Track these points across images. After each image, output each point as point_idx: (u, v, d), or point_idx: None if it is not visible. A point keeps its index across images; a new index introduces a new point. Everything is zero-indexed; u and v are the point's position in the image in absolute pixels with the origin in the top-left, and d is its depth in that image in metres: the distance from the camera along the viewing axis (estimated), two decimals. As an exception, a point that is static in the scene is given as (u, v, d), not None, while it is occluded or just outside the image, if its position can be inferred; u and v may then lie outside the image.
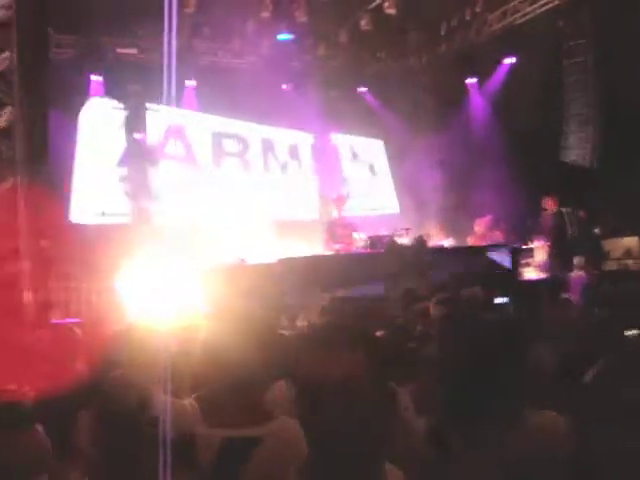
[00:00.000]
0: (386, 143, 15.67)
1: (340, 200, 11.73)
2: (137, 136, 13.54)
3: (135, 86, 13.21)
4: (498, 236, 12.47)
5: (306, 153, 15.59)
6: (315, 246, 11.32)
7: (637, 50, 10.91)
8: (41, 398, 3.25)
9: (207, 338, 2.51)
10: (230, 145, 14.76)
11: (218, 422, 2.39)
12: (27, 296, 8.07)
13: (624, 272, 10.40)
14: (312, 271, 9.08)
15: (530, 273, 11.52)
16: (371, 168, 16.55)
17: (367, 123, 15.47)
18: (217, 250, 12.09)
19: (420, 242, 8.93)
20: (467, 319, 3.23)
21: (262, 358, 2.39)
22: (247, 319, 2.49)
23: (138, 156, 13.27)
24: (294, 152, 15.47)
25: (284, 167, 15.26)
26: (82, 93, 13.49)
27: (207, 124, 14.59)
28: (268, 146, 15.15)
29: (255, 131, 15.03)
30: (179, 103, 13.86)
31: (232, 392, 2.38)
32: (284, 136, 15.38)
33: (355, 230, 11.63)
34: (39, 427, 2.93)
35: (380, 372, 2.66)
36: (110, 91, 13.64)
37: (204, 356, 2.47)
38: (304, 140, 15.57)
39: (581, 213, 12.09)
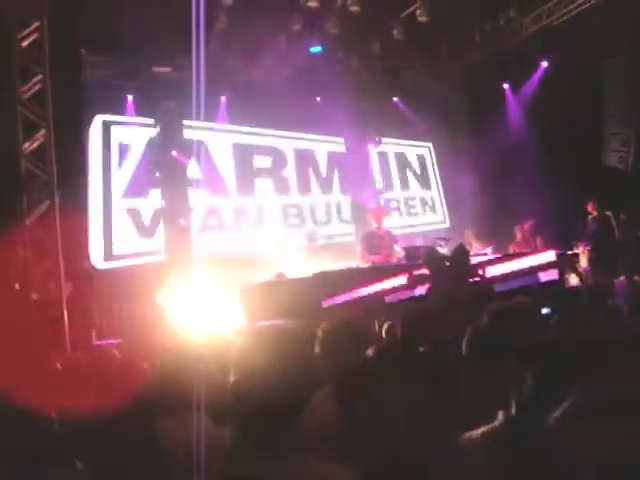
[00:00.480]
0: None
1: (378, 211, 11.59)
2: (173, 153, 13.56)
3: (169, 103, 13.25)
4: (540, 242, 12.26)
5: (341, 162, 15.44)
6: (352, 259, 11.23)
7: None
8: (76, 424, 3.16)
9: (240, 357, 2.32)
10: (262, 161, 14.70)
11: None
12: (67, 317, 8.14)
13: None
14: (347, 283, 8.97)
15: (574, 279, 11.29)
16: (420, 178, 16.58)
17: (402, 132, 15.41)
18: (255, 267, 12.12)
19: (461, 252, 8.75)
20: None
21: (290, 379, 2.17)
22: (278, 336, 2.33)
23: (173, 175, 13.27)
24: (331, 162, 15.35)
25: (321, 182, 15.19)
26: (118, 113, 13.61)
27: (236, 137, 14.57)
28: (304, 159, 15.07)
29: (289, 141, 14.99)
30: (213, 119, 13.94)
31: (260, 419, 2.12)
32: (319, 145, 15.33)
33: (395, 242, 11.49)
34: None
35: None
36: (144, 109, 13.72)
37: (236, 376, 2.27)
38: (338, 148, 15.44)
39: (622, 216, 11.87)
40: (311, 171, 15.11)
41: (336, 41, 13.11)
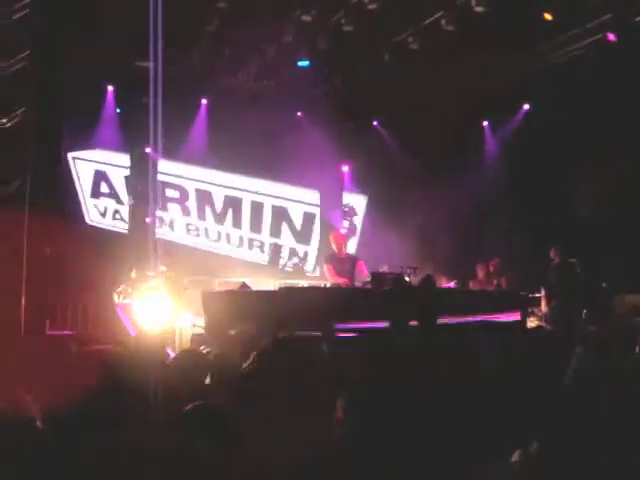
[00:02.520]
0: (393, 179, 15.44)
1: (341, 236, 11.55)
2: (147, 150, 13.50)
3: (148, 99, 13.09)
4: (504, 282, 12.28)
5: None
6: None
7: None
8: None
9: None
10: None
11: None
12: (23, 302, 7.91)
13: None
14: (312, 302, 8.85)
15: (532, 322, 11.33)
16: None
17: (377, 158, 15.34)
18: (218, 272, 12.03)
19: (429, 281, 8.72)
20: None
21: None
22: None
23: (144, 169, 13.23)
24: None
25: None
26: (97, 101, 13.51)
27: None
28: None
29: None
30: (192, 122, 13.88)
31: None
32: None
33: (358, 266, 11.45)
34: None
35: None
36: (123, 103, 13.63)
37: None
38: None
39: (584, 266, 11.96)
40: (284, 224, 15.71)
41: (324, 58, 13.08)
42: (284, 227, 15.65)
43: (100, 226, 14.70)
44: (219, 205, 15.38)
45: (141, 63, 13.08)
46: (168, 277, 10.71)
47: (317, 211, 15.60)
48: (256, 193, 15.38)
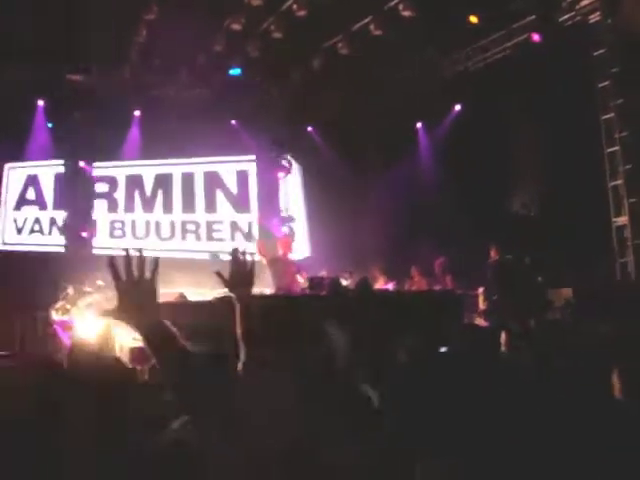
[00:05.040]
0: (329, 184, 15.44)
1: (286, 240, 11.59)
2: (81, 164, 13.43)
3: (82, 113, 13.06)
4: (450, 280, 12.43)
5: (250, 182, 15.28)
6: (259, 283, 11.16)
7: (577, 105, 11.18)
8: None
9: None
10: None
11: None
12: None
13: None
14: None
15: (479, 320, 11.49)
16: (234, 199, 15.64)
17: (313, 163, 15.38)
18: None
19: (364, 284, 8.79)
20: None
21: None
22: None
23: (80, 184, 13.13)
24: (241, 180, 15.17)
25: (231, 201, 15.00)
26: (27, 121, 13.36)
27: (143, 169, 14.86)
28: (212, 180, 14.96)
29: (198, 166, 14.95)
30: (125, 133, 13.77)
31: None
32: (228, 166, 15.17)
33: (298, 271, 11.50)
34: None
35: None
36: (56, 117, 13.48)
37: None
38: (248, 166, 15.27)
39: (526, 260, 12.13)
40: (219, 191, 14.97)
41: (256, 66, 13.09)
42: (219, 195, 14.89)
43: (11, 249, 14.44)
44: (149, 187, 14.82)
45: (72, 77, 13.02)
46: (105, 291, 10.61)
47: (251, 167, 15.01)
48: (186, 164, 14.82)
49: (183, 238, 14.70)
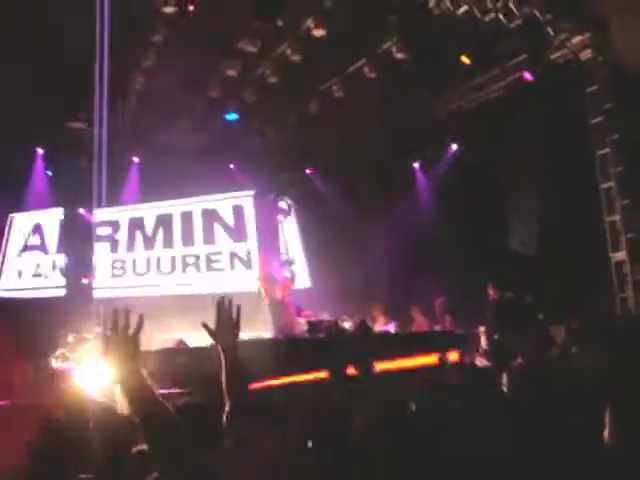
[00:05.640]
0: (328, 225, 15.44)
1: (285, 283, 11.57)
2: (80, 211, 13.50)
3: (81, 161, 13.17)
4: (449, 320, 12.39)
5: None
6: (258, 326, 11.11)
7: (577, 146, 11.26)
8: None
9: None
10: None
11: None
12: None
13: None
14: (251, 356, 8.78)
15: (480, 361, 11.41)
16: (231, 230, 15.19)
17: (312, 205, 15.43)
18: (156, 329, 11.91)
19: (363, 327, 8.77)
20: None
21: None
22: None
23: (79, 230, 13.20)
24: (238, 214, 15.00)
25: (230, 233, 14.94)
26: (27, 168, 13.49)
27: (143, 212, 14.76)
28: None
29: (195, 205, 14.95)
30: (124, 180, 13.85)
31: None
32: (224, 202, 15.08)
33: (299, 314, 11.48)
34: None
35: None
36: (55, 165, 13.60)
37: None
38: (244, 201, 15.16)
39: (527, 298, 12.09)
40: (216, 225, 14.80)
41: (252, 110, 13.22)
42: (217, 229, 14.69)
43: (11, 294, 14.41)
44: (150, 227, 14.72)
45: (71, 125, 13.14)
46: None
47: (247, 201, 14.58)
48: (185, 204, 14.61)
49: (183, 271, 14.60)
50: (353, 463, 3.20)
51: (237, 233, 14.61)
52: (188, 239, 14.72)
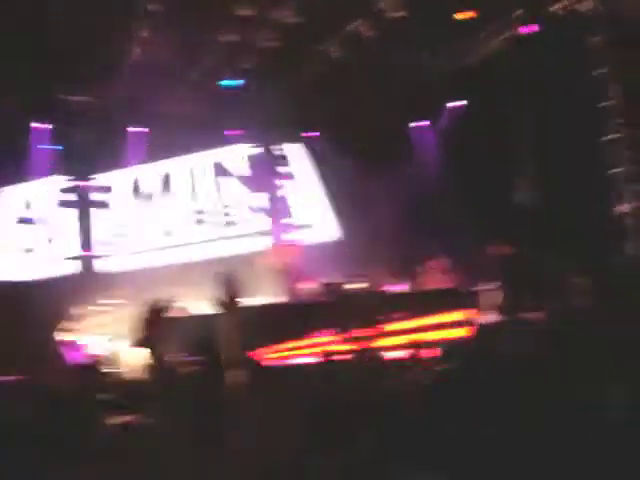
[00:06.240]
0: (331, 189, 15.31)
1: (288, 248, 11.57)
2: (83, 182, 13.51)
3: (78, 132, 13.14)
4: (454, 278, 12.36)
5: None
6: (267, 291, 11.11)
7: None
8: None
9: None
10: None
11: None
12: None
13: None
14: (260, 321, 8.81)
15: (490, 317, 11.42)
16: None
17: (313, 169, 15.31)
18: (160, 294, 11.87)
19: (373, 288, 8.78)
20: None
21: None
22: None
23: (83, 202, 13.23)
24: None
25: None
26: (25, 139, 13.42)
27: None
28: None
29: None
30: (124, 150, 13.74)
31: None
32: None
33: (308, 277, 11.48)
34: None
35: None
36: (53, 137, 13.54)
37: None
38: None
39: (532, 253, 12.07)
40: (227, 177, 14.67)
41: (250, 76, 13.10)
42: (226, 181, 14.52)
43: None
44: (151, 187, 14.43)
45: (70, 97, 13.07)
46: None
47: (252, 155, 14.58)
48: (190, 160, 14.46)
49: (192, 230, 14.23)
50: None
51: (252, 182, 14.35)
52: (194, 195, 14.38)
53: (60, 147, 13.50)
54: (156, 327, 2.60)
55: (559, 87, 11.52)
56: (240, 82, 13.33)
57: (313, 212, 14.94)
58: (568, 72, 11.34)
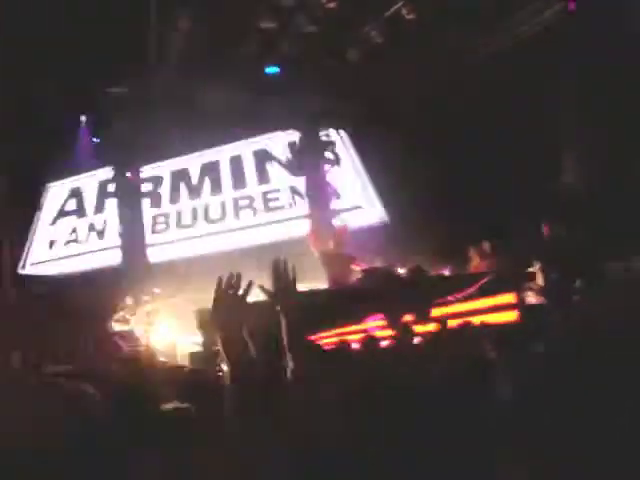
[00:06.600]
0: (380, 172, 15.24)
1: (341, 231, 11.57)
2: (127, 174, 13.64)
3: (125, 124, 13.28)
4: (497, 261, 12.25)
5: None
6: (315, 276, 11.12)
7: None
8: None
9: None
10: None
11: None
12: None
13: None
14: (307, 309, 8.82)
15: (531, 298, 11.32)
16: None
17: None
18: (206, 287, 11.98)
19: (416, 272, 8.74)
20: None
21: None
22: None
23: (129, 194, 13.35)
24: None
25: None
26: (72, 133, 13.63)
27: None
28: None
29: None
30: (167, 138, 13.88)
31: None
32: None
33: (353, 262, 11.47)
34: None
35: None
36: (99, 130, 13.73)
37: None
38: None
39: (584, 236, 11.93)
40: (271, 163, 14.72)
41: (292, 62, 13.11)
42: (271, 167, 14.49)
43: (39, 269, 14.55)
44: (195, 177, 14.57)
45: (114, 90, 13.22)
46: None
47: (297, 139, 14.28)
48: (233, 148, 14.56)
49: (236, 216, 14.27)
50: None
51: (295, 167, 14.23)
52: (239, 182, 14.44)
53: (106, 139, 13.69)
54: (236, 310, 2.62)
55: (608, 67, 11.34)
56: (283, 69, 13.33)
57: (360, 195, 14.88)
58: (620, 50, 11.14)
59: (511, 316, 9.21)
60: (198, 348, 9.59)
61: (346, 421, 2.64)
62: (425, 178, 13.99)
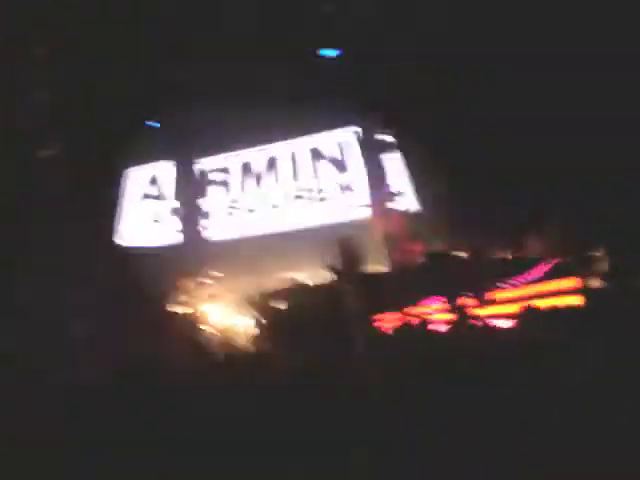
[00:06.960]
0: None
1: (397, 217, 11.61)
2: (189, 163, 13.95)
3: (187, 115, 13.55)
4: (560, 245, 12.12)
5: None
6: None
7: None
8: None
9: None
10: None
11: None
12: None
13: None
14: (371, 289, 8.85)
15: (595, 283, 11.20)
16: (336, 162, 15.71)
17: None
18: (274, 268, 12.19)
19: (479, 254, 8.73)
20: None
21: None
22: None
23: (189, 181, 13.63)
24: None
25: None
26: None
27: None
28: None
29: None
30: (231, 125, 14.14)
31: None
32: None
33: (413, 246, 11.48)
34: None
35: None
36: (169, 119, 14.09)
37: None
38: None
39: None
40: (323, 160, 15.41)
41: (349, 46, 13.10)
42: (323, 164, 15.46)
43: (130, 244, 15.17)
44: (259, 168, 15.66)
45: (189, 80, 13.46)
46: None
47: (351, 137, 15.26)
48: (292, 145, 15.53)
49: (293, 205, 15.28)
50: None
51: (343, 166, 15.11)
52: (296, 176, 15.42)
53: (180, 130, 14.13)
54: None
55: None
56: (338, 52, 13.33)
57: (415, 181, 14.93)
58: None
59: (576, 300, 9.14)
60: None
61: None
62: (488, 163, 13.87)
